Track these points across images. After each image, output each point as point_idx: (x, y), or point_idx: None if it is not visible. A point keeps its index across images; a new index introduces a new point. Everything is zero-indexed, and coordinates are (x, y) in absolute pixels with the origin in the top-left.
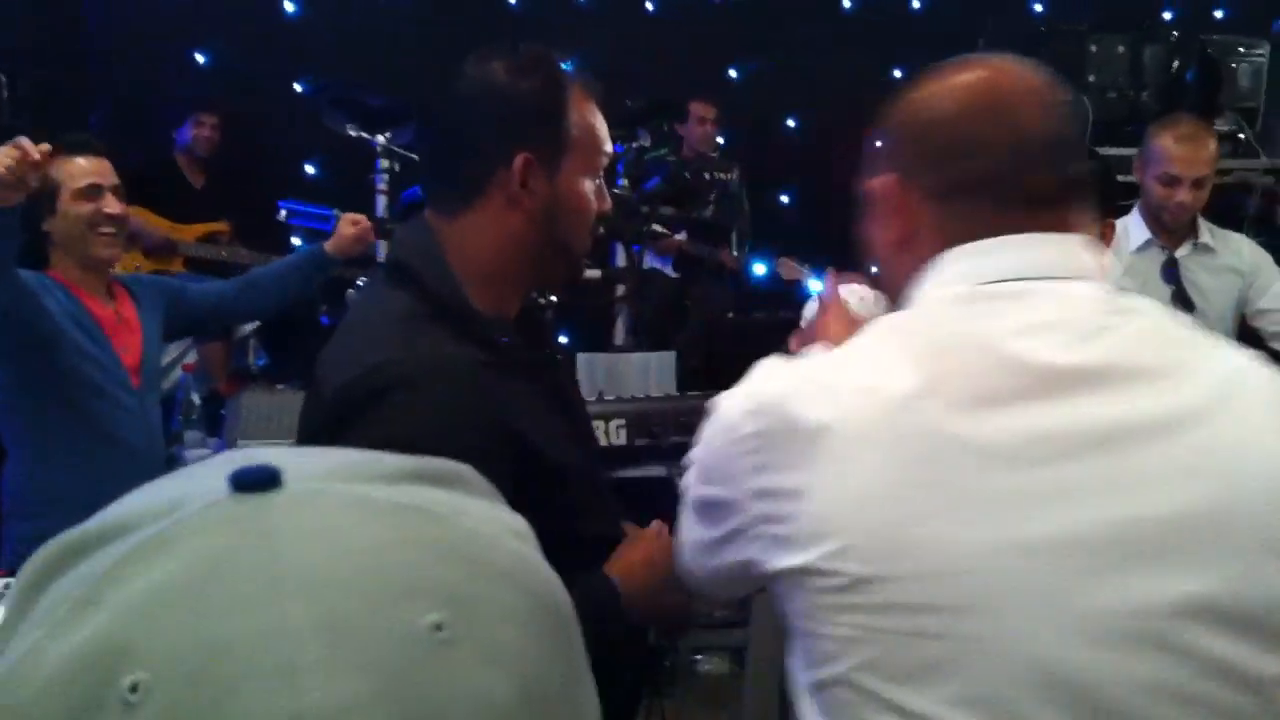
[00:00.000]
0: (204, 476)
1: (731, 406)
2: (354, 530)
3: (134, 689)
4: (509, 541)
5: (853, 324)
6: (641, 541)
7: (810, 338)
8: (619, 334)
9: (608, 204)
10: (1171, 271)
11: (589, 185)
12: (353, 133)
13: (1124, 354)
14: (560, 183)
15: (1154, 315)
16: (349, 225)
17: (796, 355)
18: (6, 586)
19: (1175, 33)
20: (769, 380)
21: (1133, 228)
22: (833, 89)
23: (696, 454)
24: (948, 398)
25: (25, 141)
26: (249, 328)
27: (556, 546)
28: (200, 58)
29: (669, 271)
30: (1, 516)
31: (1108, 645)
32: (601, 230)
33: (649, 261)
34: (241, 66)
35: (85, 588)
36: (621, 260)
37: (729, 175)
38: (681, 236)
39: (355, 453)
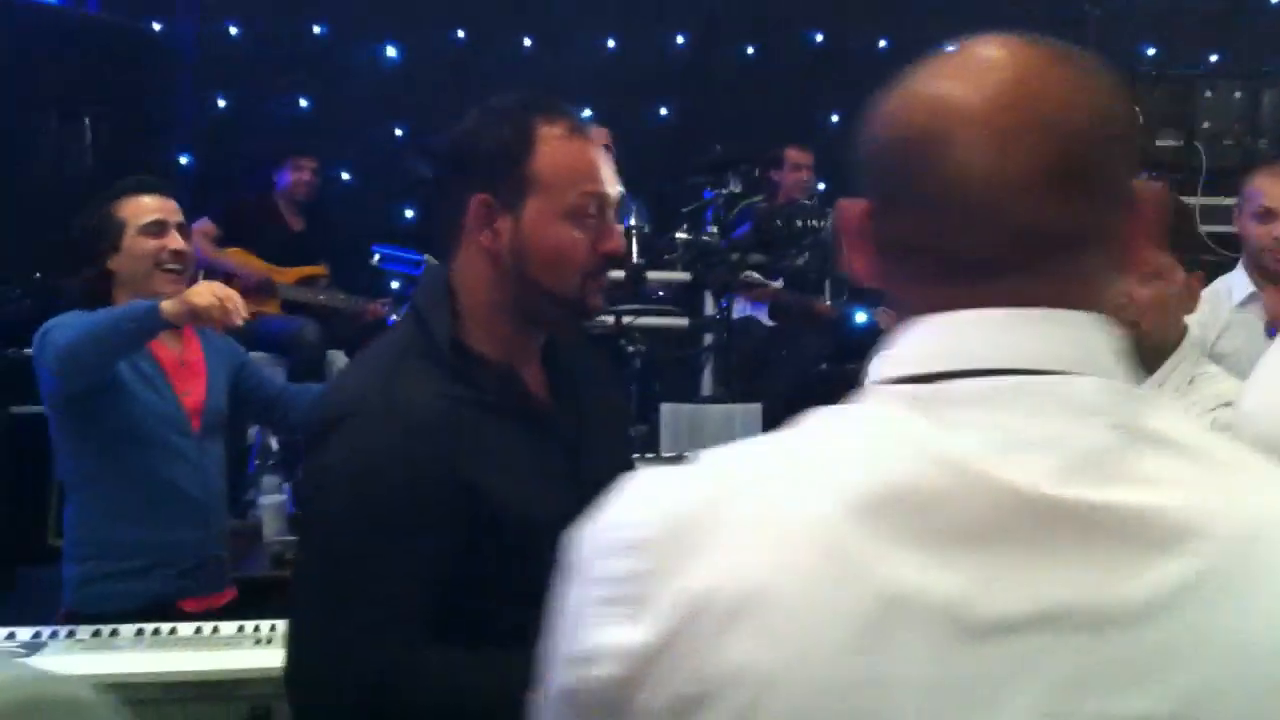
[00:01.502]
0: None
1: (587, 542)
2: None
3: None
4: None
5: None
6: None
7: None
8: (706, 384)
9: (612, 244)
10: (1275, 329)
11: (565, 225)
12: None
13: (1117, 490)
14: (526, 223)
15: (1176, 433)
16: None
17: None
18: (52, 634)
19: None
20: (652, 502)
21: (1235, 283)
22: None
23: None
24: (895, 531)
25: (238, 299)
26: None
27: (514, 601)
28: (303, 102)
29: (764, 320)
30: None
31: None
32: (618, 272)
33: (743, 310)
34: (341, 112)
35: None
36: (710, 309)
37: (823, 222)
38: (778, 284)
39: None
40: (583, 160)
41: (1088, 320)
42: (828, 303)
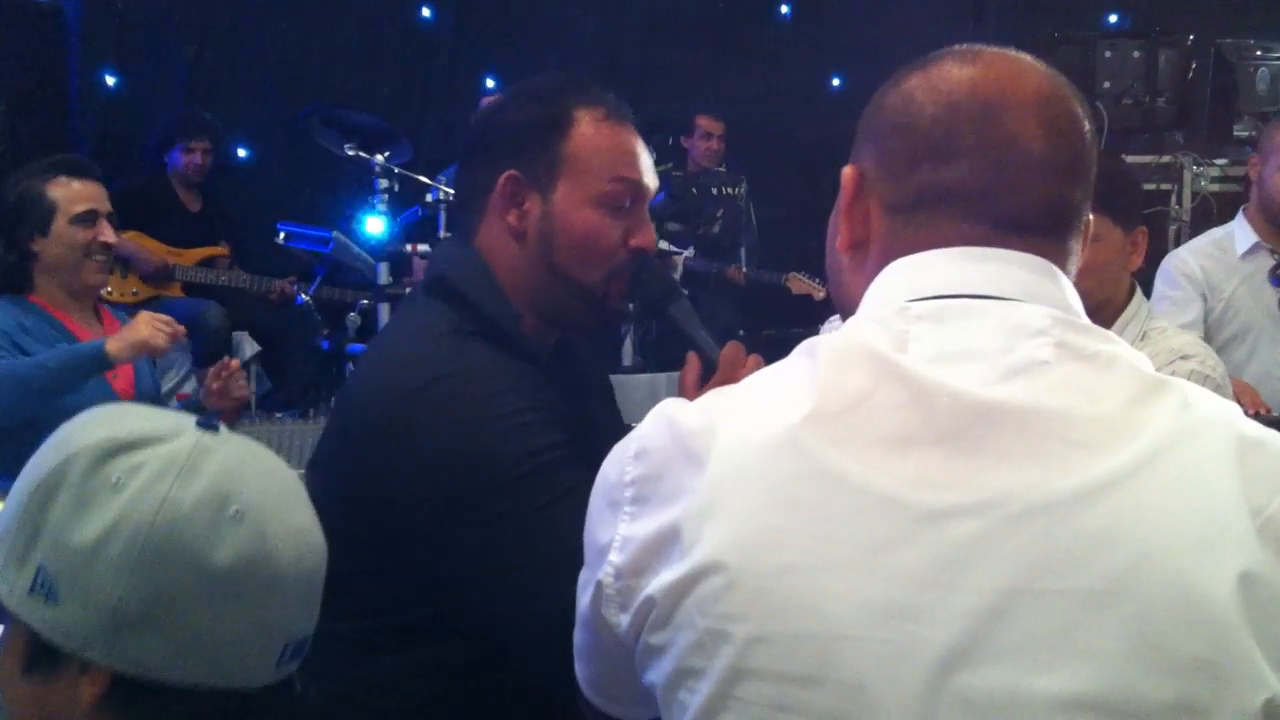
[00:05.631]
0: (158, 417)
1: (610, 460)
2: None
3: (236, 513)
4: None
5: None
6: None
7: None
8: (627, 354)
9: (644, 239)
10: (1278, 278)
11: (595, 211)
12: (350, 152)
13: (1054, 395)
14: (555, 205)
15: (1106, 354)
16: (212, 379)
17: None
18: None
19: (1191, 37)
20: (654, 421)
21: (1238, 233)
22: (839, 104)
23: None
24: (844, 432)
25: (172, 321)
26: (249, 353)
27: None
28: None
29: None
30: None
31: None
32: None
33: None
34: (236, 87)
35: (176, 465)
36: None
37: (735, 190)
38: (689, 253)
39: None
40: (618, 146)
41: (1045, 265)
42: (742, 269)
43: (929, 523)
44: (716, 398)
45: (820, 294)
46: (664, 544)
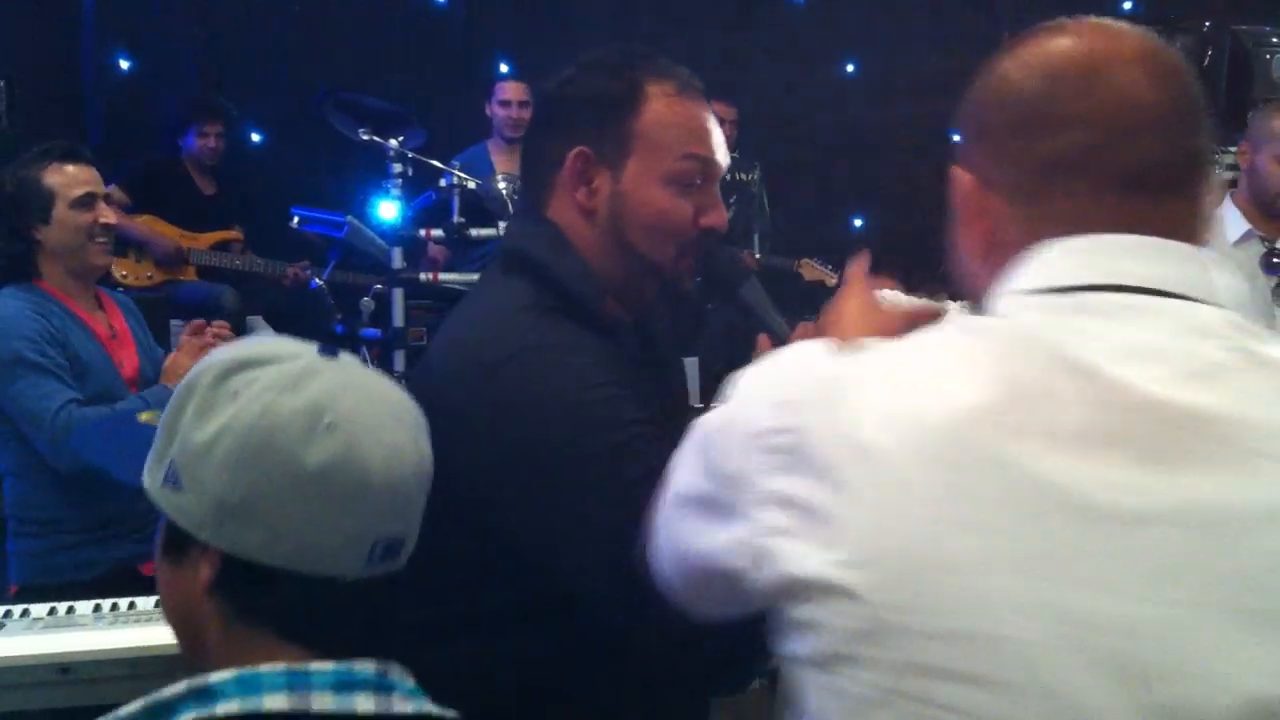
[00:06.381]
0: (287, 344)
1: (755, 393)
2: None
3: (330, 424)
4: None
5: (881, 316)
6: None
7: (825, 330)
8: None
9: (715, 218)
10: (1274, 264)
11: (666, 189)
12: (365, 136)
13: (1242, 403)
14: (625, 183)
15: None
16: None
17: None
18: (5, 614)
19: (1207, 23)
20: (804, 368)
21: (1228, 220)
22: (852, 89)
23: (697, 441)
24: (1023, 424)
25: (212, 329)
26: (256, 335)
27: None
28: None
29: None
30: (6, 534)
31: None
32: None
33: None
34: (249, 70)
35: (283, 381)
36: None
37: (749, 176)
38: None
39: None
40: (690, 122)
41: (1194, 254)
42: (755, 255)
43: (1112, 527)
44: (868, 365)
45: (833, 280)
46: (820, 520)
